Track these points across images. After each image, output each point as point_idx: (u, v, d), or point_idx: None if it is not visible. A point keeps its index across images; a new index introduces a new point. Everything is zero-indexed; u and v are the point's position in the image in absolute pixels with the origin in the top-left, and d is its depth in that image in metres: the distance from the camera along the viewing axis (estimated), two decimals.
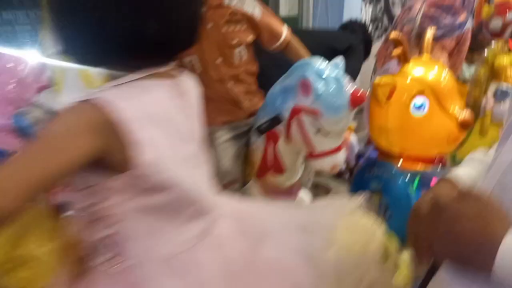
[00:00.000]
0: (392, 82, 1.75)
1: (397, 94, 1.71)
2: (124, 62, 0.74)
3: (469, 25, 2.19)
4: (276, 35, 1.69)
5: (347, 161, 2.30)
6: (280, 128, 1.55)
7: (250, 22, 1.60)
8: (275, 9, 3.59)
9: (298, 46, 1.75)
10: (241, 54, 1.64)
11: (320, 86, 1.40)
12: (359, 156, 2.46)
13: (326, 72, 1.44)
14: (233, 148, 1.69)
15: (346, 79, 1.46)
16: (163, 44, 0.74)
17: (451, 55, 2.18)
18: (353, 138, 2.40)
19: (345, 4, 3.47)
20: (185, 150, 0.80)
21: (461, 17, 2.17)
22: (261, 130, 1.51)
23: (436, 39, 2.02)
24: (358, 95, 1.41)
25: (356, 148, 2.46)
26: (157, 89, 0.77)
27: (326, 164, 1.52)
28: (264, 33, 1.66)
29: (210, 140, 1.67)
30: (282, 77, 1.57)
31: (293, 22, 3.61)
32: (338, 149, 1.51)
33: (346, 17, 3.49)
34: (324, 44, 2.22)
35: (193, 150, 0.84)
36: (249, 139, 1.69)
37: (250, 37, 1.63)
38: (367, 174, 1.94)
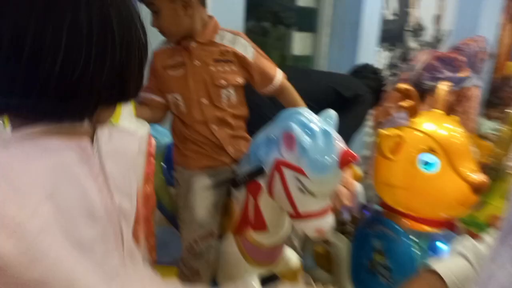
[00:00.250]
0: (399, 136, 1.63)
1: (405, 149, 1.61)
2: (26, 108, 0.58)
3: (474, 83, 2.07)
4: (269, 79, 1.55)
5: (350, 212, 2.13)
6: (263, 181, 1.38)
7: (242, 63, 1.48)
8: (288, 48, 3.51)
9: (292, 92, 1.61)
10: (229, 96, 1.50)
11: (305, 140, 1.24)
12: (364, 207, 2.32)
13: (315, 125, 1.28)
14: (212, 197, 1.53)
15: (336, 135, 1.29)
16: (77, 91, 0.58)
17: (451, 110, 2.03)
18: (358, 187, 2.21)
19: (360, 47, 3.35)
20: (87, 232, 0.62)
21: (462, 73, 2.05)
22: (240, 181, 1.35)
23: (430, 89, 1.94)
24: (349, 154, 1.24)
25: (361, 198, 2.29)
26: (61, 153, 0.61)
27: (309, 227, 1.34)
28: (256, 76, 1.52)
29: (188, 185, 1.52)
30: (267, 125, 1.41)
31: (306, 62, 3.52)
32: (324, 212, 1.33)
33: (360, 60, 3.37)
34: (330, 88, 2.08)
35: (102, 230, 0.65)
36: (230, 188, 1.53)
37: (240, 80, 1.50)
38: (370, 230, 1.80)
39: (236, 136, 1.58)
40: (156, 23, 1.36)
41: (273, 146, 1.34)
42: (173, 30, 1.39)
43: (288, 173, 1.30)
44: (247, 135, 1.62)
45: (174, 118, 1.55)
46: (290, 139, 1.26)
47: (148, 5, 1.34)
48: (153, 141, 1.29)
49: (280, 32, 3.55)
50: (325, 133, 1.27)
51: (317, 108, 1.97)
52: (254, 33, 3.58)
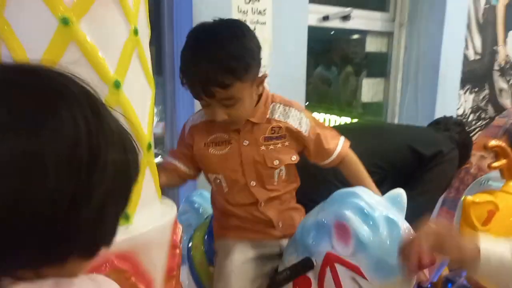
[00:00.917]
0: (492, 202, 1.47)
1: (499, 218, 1.45)
2: None
3: None
4: (326, 153, 1.32)
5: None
6: (313, 276, 1.13)
7: (296, 137, 1.27)
8: (356, 94, 3.26)
9: (354, 163, 1.35)
10: (280, 174, 1.30)
11: (364, 232, 0.98)
12: (447, 281, 1.99)
13: (376, 211, 1.01)
14: (253, 271, 1.28)
15: (405, 226, 1.01)
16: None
17: None
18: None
19: (439, 91, 2.98)
20: None
21: None
22: (282, 279, 1.10)
23: None
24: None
25: (444, 265, 1.95)
26: None
27: None
28: (312, 149, 1.31)
29: (226, 253, 1.30)
30: (319, 205, 1.17)
31: (376, 110, 3.23)
32: None
33: (439, 106, 3.00)
34: (406, 146, 1.77)
35: None
36: (275, 266, 1.28)
37: (294, 157, 1.29)
38: None
39: (285, 209, 1.35)
40: (229, 114, 1.16)
41: (324, 234, 1.09)
42: (248, 114, 1.22)
43: (342, 271, 1.04)
44: (298, 206, 1.39)
45: (213, 191, 1.37)
46: (343, 230, 1.01)
47: (223, 100, 1.13)
48: (180, 229, 1.10)
49: (348, 78, 3.32)
50: (390, 222, 1.00)
51: (392, 171, 1.71)
52: (319, 81, 3.40)
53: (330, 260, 1.06)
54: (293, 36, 2.32)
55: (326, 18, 2.74)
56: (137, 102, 0.95)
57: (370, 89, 3.19)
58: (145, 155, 0.99)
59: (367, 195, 1.06)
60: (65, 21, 0.82)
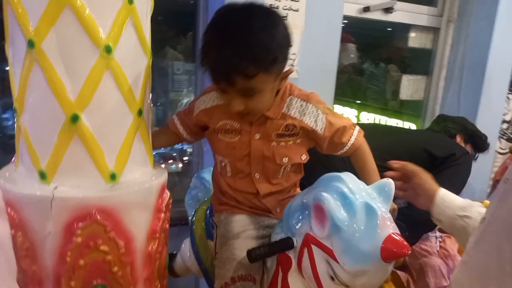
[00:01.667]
0: None
1: None
2: None
3: None
4: (340, 145, 1.28)
5: None
6: (293, 255, 1.13)
7: (310, 135, 1.24)
8: (394, 91, 3.14)
9: (364, 155, 1.32)
10: (286, 169, 1.28)
11: (340, 216, 0.97)
12: None
13: (357, 197, 0.99)
14: (255, 234, 1.28)
15: (386, 214, 0.99)
16: None
17: None
18: None
19: (484, 93, 2.80)
20: None
21: None
22: (257, 255, 1.10)
23: None
24: (396, 244, 0.92)
25: None
26: None
27: None
28: (325, 145, 1.27)
29: (227, 226, 1.31)
30: (307, 188, 1.16)
31: (415, 108, 3.10)
32: None
33: (483, 108, 2.82)
34: (420, 148, 1.76)
35: None
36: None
37: (304, 156, 1.26)
38: None
39: (286, 198, 1.34)
40: (246, 105, 1.10)
41: (306, 216, 1.09)
42: (265, 108, 1.17)
43: (317, 253, 1.03)
44: (299, 191, 1.38)
45: (216, 171, 1.38)
46: (320, 212, 1.00)
47: (243, 90, 1.07)
48: (167, 194, 1.15)
49: (386, 73, 3.21)
50: (369, 209, 0.98)
51: None
52: (353, 73, 3.31)
53: (308, 241, 1.05)
54: (325, 25, 2.28)
55: (366, 9, 2.67)
56: (129, 69, 1.01)
57: (410, 86, 3.07)
58: (135, 119, 1.05)
59: (352, 181, 1.04)
60: None
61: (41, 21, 0.90)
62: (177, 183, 2.74)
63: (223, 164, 1.29)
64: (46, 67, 0.93)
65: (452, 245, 2.11)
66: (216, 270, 1.30)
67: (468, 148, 2.01)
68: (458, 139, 2.01)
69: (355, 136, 1.30)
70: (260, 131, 1.21)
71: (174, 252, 1.72)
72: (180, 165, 3.00)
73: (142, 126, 1.08)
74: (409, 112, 3.13)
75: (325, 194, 0.99)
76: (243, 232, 1.28)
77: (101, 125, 0.99)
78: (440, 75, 2.99)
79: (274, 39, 1.03)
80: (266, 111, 1.17)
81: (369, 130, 1.43)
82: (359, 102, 3.28)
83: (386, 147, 1.67)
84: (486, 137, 2.12)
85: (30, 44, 0.92)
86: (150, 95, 1.14)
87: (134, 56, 1.03)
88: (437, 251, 2.09)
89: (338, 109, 3.01)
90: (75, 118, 0.96)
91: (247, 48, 1.00)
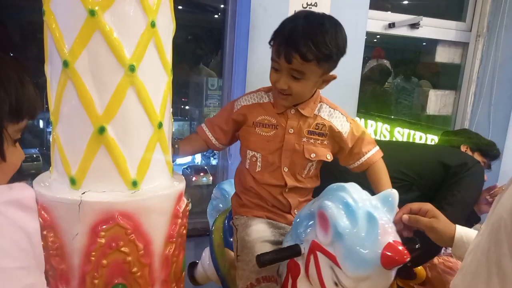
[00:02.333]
0: None
1: None
2: None
3: None
4: (358, 155, 1.42)
5: None
6: (301, 262, 1.18)
7: (336, 137, 1.38)
8: (421, 106, 3.12)
9: (380, 171, 1.42)
10: (311, 169, 1.41)
11: (342, 224, 1.01)
12: None
13: (360, 206, 1.04)
14: (273, 239, 1.36)
15: (387, 223, 1.02)
16: None
17: None
18: None
19: None
20: None
21: None
22: (265, 260, 1.15)
23: None
24: (395, 251, 0.96)
25: None
26: None
27: None
28: (346, 151, 1.42)
29: (246, 228, 1.39)
30: (315, 198, 1.21)
31: (443, 124, 3.07)
32: None
33: None
34: (435, 160, 1.79)
35: None
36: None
37: (329, 156, 1.39)
38: None
39: (303, 201, 1.45)
40: (290, 86, 1.25)
41: (312, 224, 1.14)
42: (303, 97, 1.32)
43: (322, 259, 1.08)
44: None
45: (243, 168, 1.46)
46: (323, 219, 1.05)
47: (294, 71, 1.23)
48: (184, 202, 1.23)
49: (413, 88, 3.21)
50: (371, 218, 1.02)
51: (418, 180, 1.71)
52: (377, 88, 3.32)
53: (314, 248, 1.10)
54: (349, 42, 2.33)
55: (392, 25, 2.70)
56: (151, 85, 1.11)
57: (438, 101, 3.04)
58: (156, 132, 1.15)
59: (355, 191, 1.08)
60: (92, 13, 1.00)
61: (74, 43, 1.03)
62: (207, 195, 2.83)
63: (254, 159, 1.39)
64: (78, 84, 1.05)
65: None
66: (238, 271, 1.37)
67: (477, 156, 2.00)
68: (463, 149, 2.01)
69: (374, 152, 1.42)
70: (294, 127, 1.35)
71: (197, 261, 1.80)
72: (211, 178, 3.11)
73: (162, 138, 1.18)
74: (438, 127, 3.09)
75: (328, 202, 1.04)
76: (262, 236, 1.36)
77: (125, 136, 1.10)
78: (469, 90, 2.95)
79: (336, 41, 1.22)
80: (302, 102, 1.33)
81: (385, 146, 1.48)
82: (391, 117, 3.29)
83: (401, 160, 1.73)
84: (493, 143, 2.12)
85: (65, 64, 1.05)
86: (171, 109, 1.24)
87: (155, 74, 1.13)
88: None
89: (368, 122, 3.03)
90: (102, 130, 1.06)
91: (315, 37, 1.18)
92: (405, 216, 1.13)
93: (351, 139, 1.39)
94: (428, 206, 1.14)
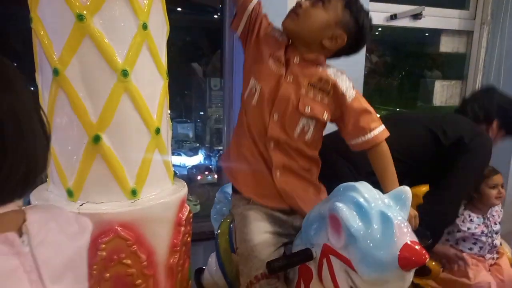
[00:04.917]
0: None
1: None
2: None
3: None
4: (362, 130, 1.27)
5: None
6: (313, 266, 1.13)
7: (338, 100, 1.26)
8: (427, 97, 3.06)
9: (385, 157, 1.29)
10: (305, 129, 1.28)
11: (355, 226, 0.96)
12: None
13: (373, 206, 0.98)
14: (273, 240, 1.26)
15: (402, 222, 0.97)
16: None
17: None
18: None
19: None
20: None
21: None
22: (276, 267, 1.10)
23: None
24: (413, 252, 0.90)
25: None
26: None
27: None
28: (348, 121, 1.27)
29: (243, 217, 1.30)
30: (325, 199, 1.16)
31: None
32: None
33: None
34: (424, 130, 1.65)
35: None
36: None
37: (326, 116, 1.27)
38: None
39: (293, 168, 1.32)
40: (306, 8, 1.24)
41: (323, 227, 1.09)
42: (308, 28, 1.24)
43: (336, 263, 1.03)
44: (317, 183, 1.37)
45: (237, 125, 1.38)
46: (336, 222, 0.99)
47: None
48: (186, 209, 1.18)
49: (418, 79, 3.14)
50: (385, 218, 0.96)
51: (412, 163, 1.56)
52: (383, 80, 3.27)
53: (326, 252, 1.05)
54: None
55: (394, 16, 2.64)
56: (146, 90, 1.06)
57: (444, 92, 2.97)
58: (153, 138, 1.10)
59: (367, 190, 1.03)
60: (80, 17, 0.95)
61: (64, 50, 0.98)
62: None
63: (254, 90, 1.29)
64: (69, 92, 1.00)
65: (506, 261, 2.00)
66: (239, 266, 1.30)
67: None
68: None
69: (380, 130, 1.28)
70: (294, 74, 1.25)
71: (204, 267, 1.75)
72: (216, 176, 3.09)
73: (161, 144, 1.13)
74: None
75: (339, 204, 0.98)
76: (259, 226, 1.28)
77: (121, 144, 1.05)
78: (476, 80, 2.88)
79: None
80: (305, 51, 1.26)
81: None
82: (396, 109, 3.22)
83: (393, 143, 1.41)
84: None
85: (56, 72, 1.00)
86: (168, 113, 1.20)
87: (150, 78, 1.09)
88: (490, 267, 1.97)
89: None
90: (97, 139, 1.02)
91: None
92: None
93: (355, 107, 1.26)
94: None
